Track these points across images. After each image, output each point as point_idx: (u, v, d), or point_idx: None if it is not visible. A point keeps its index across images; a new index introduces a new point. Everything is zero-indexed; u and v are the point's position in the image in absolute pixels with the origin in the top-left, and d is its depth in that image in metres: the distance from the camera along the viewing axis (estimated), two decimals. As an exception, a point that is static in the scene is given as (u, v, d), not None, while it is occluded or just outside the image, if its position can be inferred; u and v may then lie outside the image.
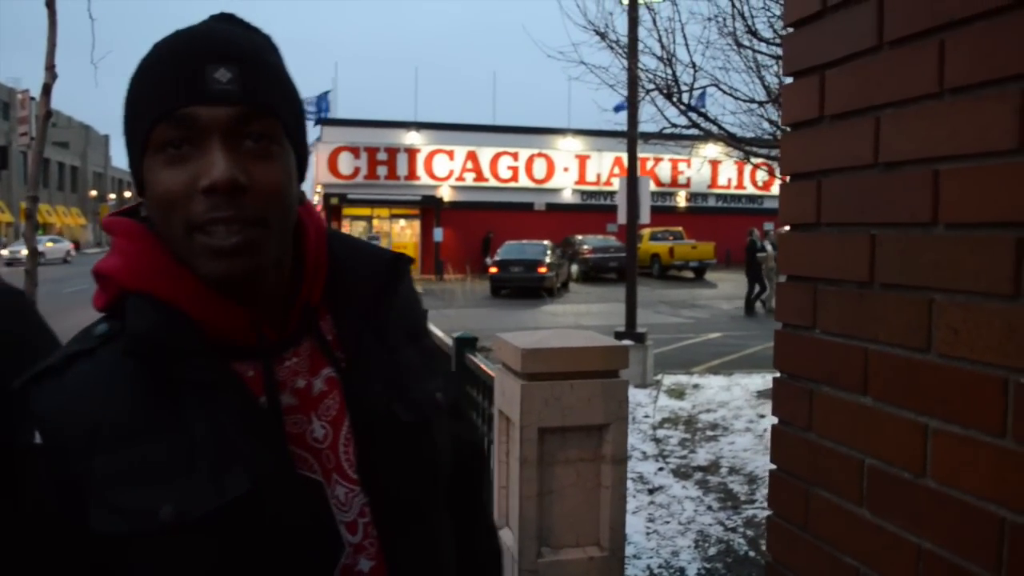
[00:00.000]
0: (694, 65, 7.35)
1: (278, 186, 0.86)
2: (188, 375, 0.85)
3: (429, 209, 32.83)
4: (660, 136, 8.72)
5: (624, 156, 10.80)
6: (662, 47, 7.51)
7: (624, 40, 8.37)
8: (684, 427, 7.54)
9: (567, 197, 35.27)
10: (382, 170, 33.06)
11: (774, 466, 1.53)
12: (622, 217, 10.27)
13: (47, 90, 3.03)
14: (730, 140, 7.70)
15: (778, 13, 6.58)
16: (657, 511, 5.28)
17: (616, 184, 27.22)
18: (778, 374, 1.52)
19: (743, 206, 37.31)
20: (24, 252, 3.21)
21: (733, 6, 6.69)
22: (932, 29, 1.15)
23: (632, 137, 9.53)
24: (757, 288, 18.02)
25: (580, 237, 29.79)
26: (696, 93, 7.61)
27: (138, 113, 0.86)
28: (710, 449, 6.77)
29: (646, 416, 7.89)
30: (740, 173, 35.86)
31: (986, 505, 1.06)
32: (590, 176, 35.30)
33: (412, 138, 33.52)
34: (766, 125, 7.55)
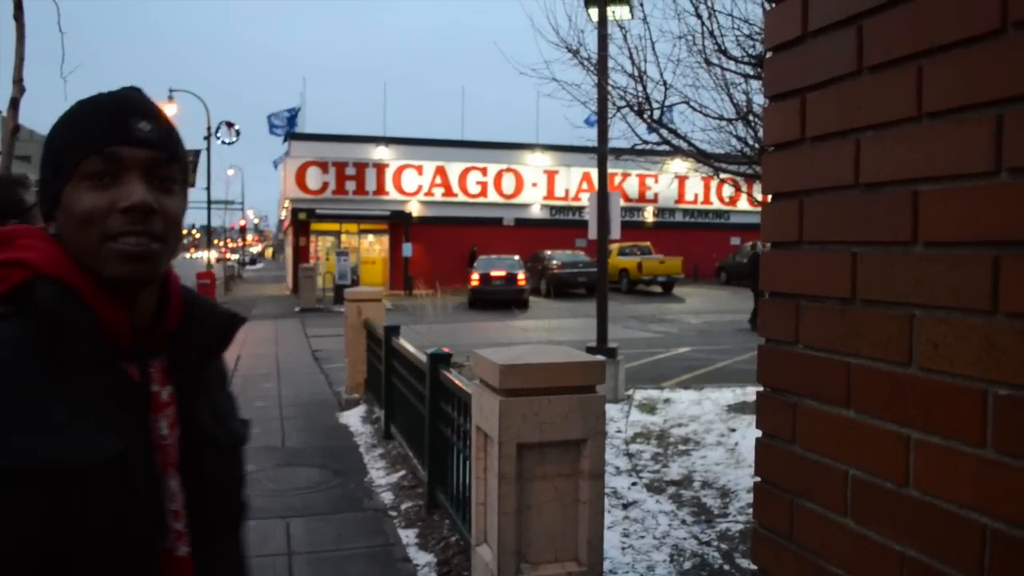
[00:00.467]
0: (665, 83, 7.45)
1: (177, 215, 1.10)
2: (83, 349, 1.00)
3: (398, 224, 32.69)
4: (631, 152, 8.83)
5: (593, 171, 10.89)
6: (633, 64, 7.61)
7: (596, 58, 8.46)
8: (656, 442, 7.58)
9: (536, 212, 35.39)
10: (350, 185, 32.92)
11: (759, 478, 1.56)
12: (593, 232, 10.33)
13: (15, 104, 3.00)
14: (700, 156, 7.81)
15: (747, 33, 6.70)
16: (632, 526, 5.30)
17: (585, 199, 27.33)
18: (761, 388, 1.56)
19: (710, 221, 37.74)
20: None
21: (703, 25, 6.80)
22: (911, 55, 1.19)
23: (603, 153, 9.61)
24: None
25: (549, 252, 29.84)
26: (666, 110, 7.71)
27: (68, 148, 1.07)
28: (683, 463, 6.81)
29: (618, 431, 7.93)
30: (707, 188, 36.26)
31: (968, 513, 1.09)
32: (559, 191, 35.47)
33: (381, 153, 33.47)
34: (734, 142, 7.68)
